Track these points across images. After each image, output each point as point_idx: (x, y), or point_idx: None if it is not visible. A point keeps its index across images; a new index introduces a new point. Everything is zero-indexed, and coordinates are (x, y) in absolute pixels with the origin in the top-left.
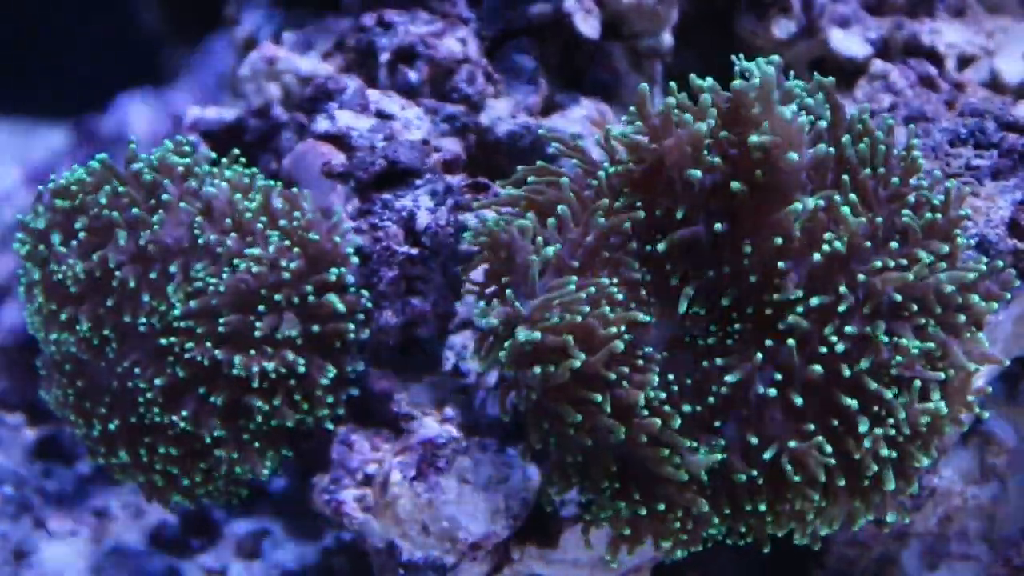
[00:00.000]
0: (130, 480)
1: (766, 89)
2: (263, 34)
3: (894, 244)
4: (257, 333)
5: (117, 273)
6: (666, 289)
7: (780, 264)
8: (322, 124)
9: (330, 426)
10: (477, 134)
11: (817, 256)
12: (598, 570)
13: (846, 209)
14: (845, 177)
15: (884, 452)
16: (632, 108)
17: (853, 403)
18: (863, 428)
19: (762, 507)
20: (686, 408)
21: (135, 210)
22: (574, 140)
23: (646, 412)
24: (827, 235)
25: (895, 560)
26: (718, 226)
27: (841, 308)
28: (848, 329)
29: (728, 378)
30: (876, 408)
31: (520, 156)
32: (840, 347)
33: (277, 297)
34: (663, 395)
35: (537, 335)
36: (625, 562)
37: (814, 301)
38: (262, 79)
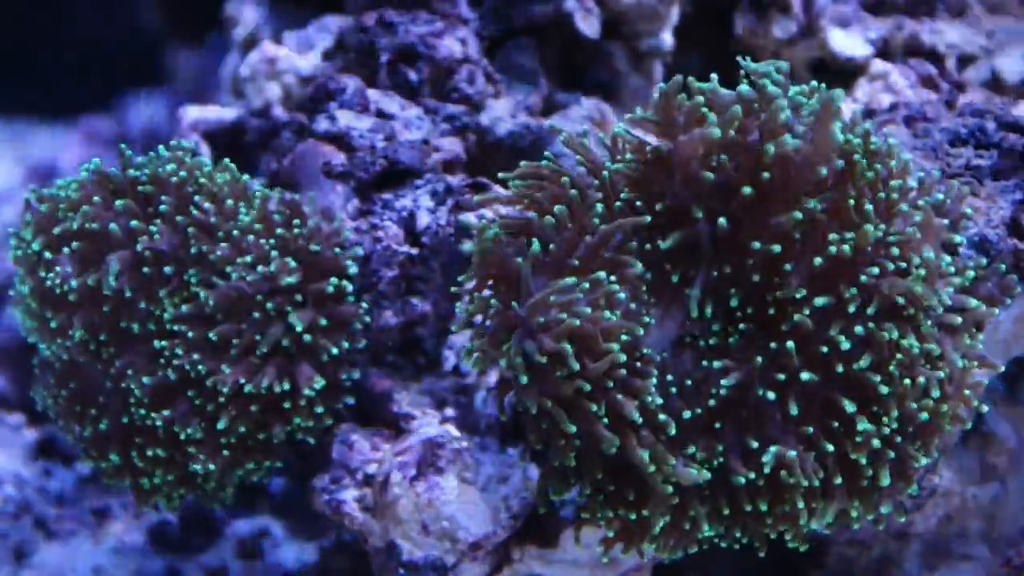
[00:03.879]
0: (119, 483)
1: (827, 111)
2: (263, 34)
3: (895, 250)
4: (235, 340)
5: (112, 282)
6: (667, 289)
7: (787, 266)
8: (322, 124)
9: (311, 440)
10: (477, 134)
11: (819, 260)
12: (598, 570)
13: (868, 227)
14: (854, 192)
15: (876, 447)
16: (655, 97)
17: (851, 407)
18: (862, 427)
19: (763, 507)
20: (685, 413)
21: (134, 223)
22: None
23: (641, 420)
24: (832, 236)
25: (895, 560)
26: (721, 222)
27: (851, 309)
28: (858, 330)
29: (724, 381)
30: (875, 408)
31: (520, 156)
32: (846, 346)
33: (269, 306)
34: (660, 400)
35: (544, 360)
36: (625, 562)
37: (818, 302)
38: (262, 79)
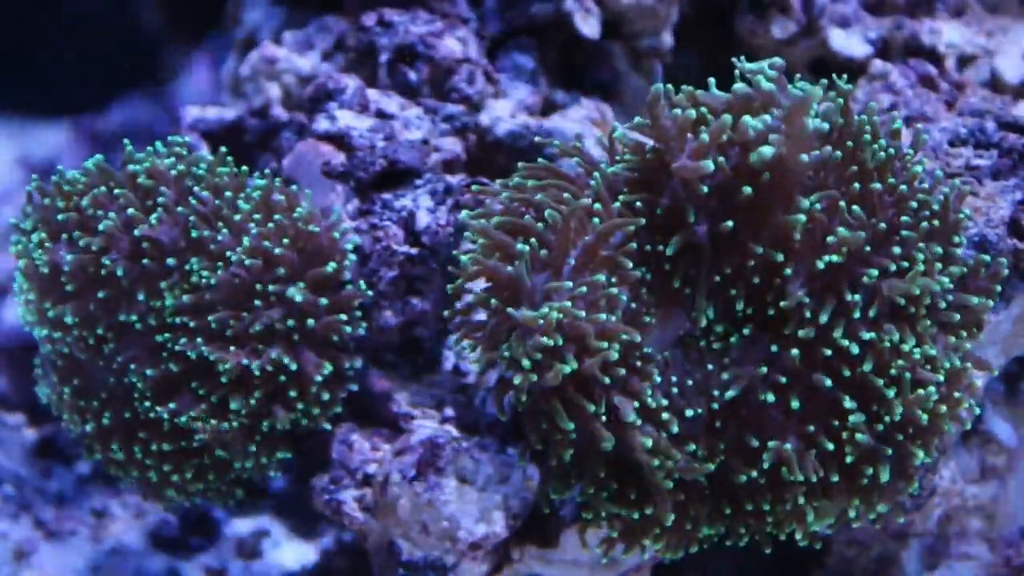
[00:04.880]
0: (125, 476)
1: (805, 107)
2: (263, 34)
3: (897, 249)
4: (229, 331)
5: (108, 265)
6: (667, 289)
7: (787, 271)
8: (322, 124)
9: (327, 426)
10: (477, 134)
11: (820, 264)
12: (598, 570)
13: (843, 230)
14: (856, 185)
15: (873, 445)
16: (644, 110)
17: (851, 403)
18: (854, 421)
19: (765, 507)
20: (687, 412)
21: (131, 211)
22: (573, 141)
23: (641, 420)
24: (829, 239)
25: (895, 560)
26: (729, 223)
27: (855, 315)
28: (863, 335)
29: (728, 393)
30: (876, 407)
31: (520, 156)
32: (854, 349)
33: (271, 288)
34: (664, 401)
35: (539, 356)
36: (625, 562)
37: (823, 319)
38: (262, 79)
